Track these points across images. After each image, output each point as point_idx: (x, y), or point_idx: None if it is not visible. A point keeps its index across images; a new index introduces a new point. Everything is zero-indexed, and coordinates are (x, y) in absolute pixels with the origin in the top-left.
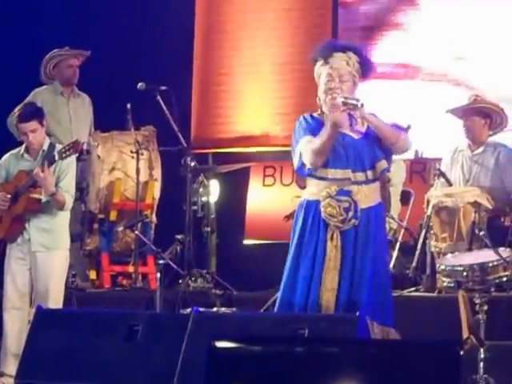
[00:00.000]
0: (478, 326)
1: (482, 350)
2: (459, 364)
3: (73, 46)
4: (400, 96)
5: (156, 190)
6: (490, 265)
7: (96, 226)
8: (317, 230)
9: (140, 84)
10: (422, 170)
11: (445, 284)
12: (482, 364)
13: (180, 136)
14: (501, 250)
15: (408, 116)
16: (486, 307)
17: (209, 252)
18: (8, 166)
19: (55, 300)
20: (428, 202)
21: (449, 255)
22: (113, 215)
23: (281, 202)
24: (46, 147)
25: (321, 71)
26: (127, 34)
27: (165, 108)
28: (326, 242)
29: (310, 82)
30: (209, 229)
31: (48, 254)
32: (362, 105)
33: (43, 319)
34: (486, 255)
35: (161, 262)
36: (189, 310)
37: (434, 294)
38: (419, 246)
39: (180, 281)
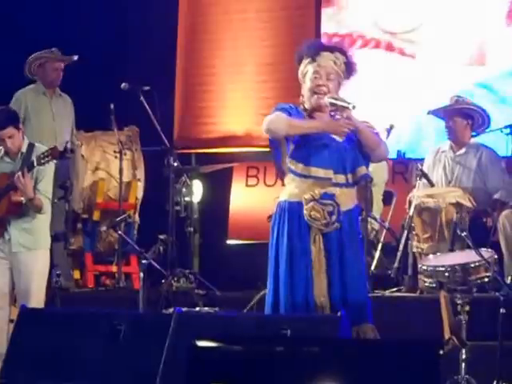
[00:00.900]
0: (459, 326)
1: (463, 350)
2: (438, 364)
3: (57, 46)
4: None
5: (139, 190)
6: (472, 265)
7: (79, 225)
8: (301, 232)
9: (123, 84)
10: (405, 171)
11: (426, 284)
12: (463, 365)
13: (163, 136)
14: (482, 250)
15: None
16: (467, 308)
17: (192, 252)
18: None
19: (36, 300)
20: (410, 202)
21: (431, 256)
22: (96, 215)
23: (264, 202)
24: (24, 149)
25: (307, 69)
26: (110, 34)
27: (148, 108)
28: (309, 244)
29: (293, 83)
30: (192, 229)
31: (28, 254)
32: (354, 107)
33: (27, 319)
34: (468, 256)
35: (144, 261)
36: (171, 309)
37: (416, 295)
38: (401, 247)
39: (163, 281)
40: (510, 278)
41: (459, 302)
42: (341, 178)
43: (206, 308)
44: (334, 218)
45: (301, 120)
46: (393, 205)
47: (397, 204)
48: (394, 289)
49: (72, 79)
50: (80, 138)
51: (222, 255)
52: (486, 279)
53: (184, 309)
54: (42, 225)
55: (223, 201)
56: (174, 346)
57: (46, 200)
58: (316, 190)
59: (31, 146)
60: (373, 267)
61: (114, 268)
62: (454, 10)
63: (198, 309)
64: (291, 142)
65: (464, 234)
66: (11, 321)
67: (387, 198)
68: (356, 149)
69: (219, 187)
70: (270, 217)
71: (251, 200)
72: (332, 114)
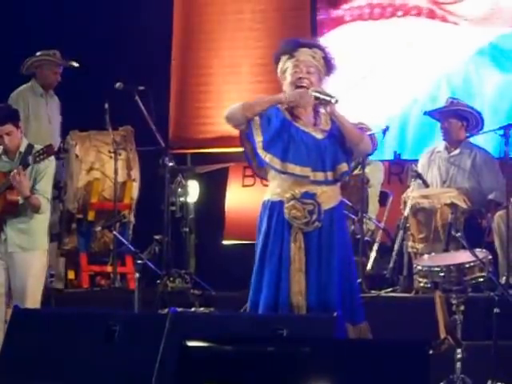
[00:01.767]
0: (454, 326)
1: (458, 350)
2: (428, 364)
3: (51, 45)
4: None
5: (134, 190)
6: (467, 265)
7: (74, 225)
8: (281, 231)
9: (118, 84)
10: (400, 172)
11: (422, 284)
12: (458, 364)
13: (158, 136)
14: (477, 250)
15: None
16: (462, 308)
17: (187, 252)
18: None
19: (33, 300)
20: (405, 203)
21: (425, 256)
22: (91, 215)
23: (260, 202)
24: (23, 149)
25: (286, 66)
26: (105, 33)
27: (143, 108)
28: (290, 243)
29: None
30: (187, 229)
31: (25, 255)
32: (337, 101)
33: (21, 319)
34: (463, 256)
35: (139, 262)
36: (167, 310)
37: (411, 295)
38: (396, 247)
39: (158, 281)
40: (504, 278)
41: (454, 301)
42: (320, 176)
43: (202, 308)
44: (314, 216)
45: (258, 98)
46: (388, 205)
47: (392, 204)
48: (390, 289)
49: (67, 78)
50: (74, 138)
51: (218, 255)
52: (481, 279)
53: (179, 309)
54: (39, 225)
55: (219, 201)
56: (169, 346)
57: (45, 200)
58: (297, 190)
59: (30, 147)
60: (368, 267)
61: (109, 268)
62: None
63: (193, 309)
64: (260, 134)
65: (458, 234)
66: (6, 321)
67: (383, 198)
68: (337, 144)
69: (215, 187)
70: None
71: (247, 200)
72: (315, 109)
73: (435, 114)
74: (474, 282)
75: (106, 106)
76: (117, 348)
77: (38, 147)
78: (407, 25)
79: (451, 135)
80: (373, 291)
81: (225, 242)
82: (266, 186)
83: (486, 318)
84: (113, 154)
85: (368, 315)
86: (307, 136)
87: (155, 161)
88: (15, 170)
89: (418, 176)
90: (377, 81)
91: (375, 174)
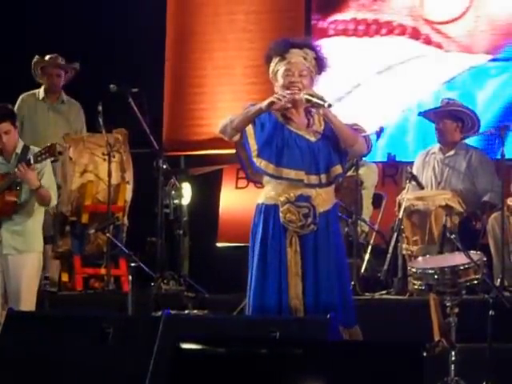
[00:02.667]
0: (449, 328)
1: (453, 352)
2: (422, 366)
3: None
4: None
5: (128, 193)
6: (461, 268)
7: (68, 228)
8: (278, 235)
9: (111, 86)
10: (395, 174)
11: (416, 287)
12: (453, 366)
13: (152, 138)
14: (472, 253)
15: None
16: (456, 310)
17: (181, 255)
18: None
19: (27, 303)
20: (399, 205)
21: (420, 258)
22: (84, 218)
23: (254, 204)
24: (19, 150)
25: (278, 68)
26: (98, 35)
27: (136, 110)
28: (286, 247)
29: None
30: (181, 231)
31: (19, 257)
32: (330, 105)
33: (14, 321)
34: (457, 258)
35: (133, 264)
36: (161, 312)
37: (406, 297)
38: (391, 249)
39: (152, 283)
40: (499, 280)
41: (448, 304)
42: (314, 179)
43: (196, 310)
44: (309, 220)
45: (242, 112)
46: (382, 207)
47: (386, 206)
48: (384, 291)
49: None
50: (68, 141)
51: (212, 258)
52: (475, 281)
53: (173, 311)
54: (34, 227)
55: (213, 203)
56: (162, 348)
57: (53, 193)
58: (291, 193)
59: (26, 148)
60: (362, 270)
61: (102, 271)
62: None
63: (187, 311)
64: (254, 142)
65: (453, 236)
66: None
67: (377, 200)
68: (330, 146)
69: (209, 189)
70: None
71: (241, 202)
72: (308, 110)
73: (430, 115)
74: (468, 284)
75: (100, 108)
76: (110, 350)
77: (34, 149)
78: (389, 44)
79: (446, 137)
80: (367, 293)
81: (218, 245)
82: (260, 187)
83: (480, 320)
84: (106, 157)
85: (362, 317)
86: (300, 139)
87: (149, 163)
88: (19, 166)
89: (413, 178)
90: (360, 96)
91: (369, 175)
